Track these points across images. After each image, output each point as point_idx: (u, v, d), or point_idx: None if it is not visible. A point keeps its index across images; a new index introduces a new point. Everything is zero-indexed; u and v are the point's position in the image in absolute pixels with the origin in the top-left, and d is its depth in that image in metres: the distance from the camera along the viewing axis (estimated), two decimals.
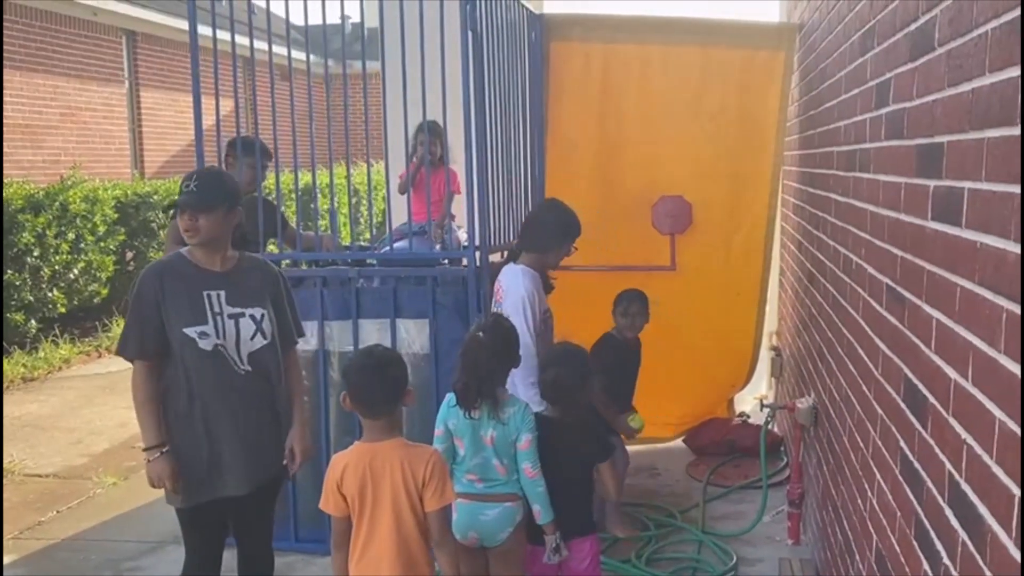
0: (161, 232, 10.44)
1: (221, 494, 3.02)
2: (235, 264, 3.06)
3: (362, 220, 13.41)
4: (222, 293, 2.97)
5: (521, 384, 3.46)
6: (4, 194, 8.17)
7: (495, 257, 4.39)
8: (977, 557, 1.57)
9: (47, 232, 8.63)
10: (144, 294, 2.94)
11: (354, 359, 2.84)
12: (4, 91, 10.23)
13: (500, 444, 3.02)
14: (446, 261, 4.42)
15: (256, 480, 3.07)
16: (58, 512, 5.01)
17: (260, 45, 4.38)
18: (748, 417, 5.77)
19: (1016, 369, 1.39)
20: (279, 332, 3.11)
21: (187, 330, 2.91)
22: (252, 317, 3.01)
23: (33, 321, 8.63)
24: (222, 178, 3.08)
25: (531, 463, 3.03)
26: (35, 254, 8.49)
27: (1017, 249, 1.40)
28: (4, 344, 8.17)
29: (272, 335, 3.05)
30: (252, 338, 3.00)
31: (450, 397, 3.08)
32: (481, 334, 3.06)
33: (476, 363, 2.99)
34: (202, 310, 2.94)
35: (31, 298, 8.53)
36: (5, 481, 5.42)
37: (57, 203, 8.79)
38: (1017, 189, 1.40)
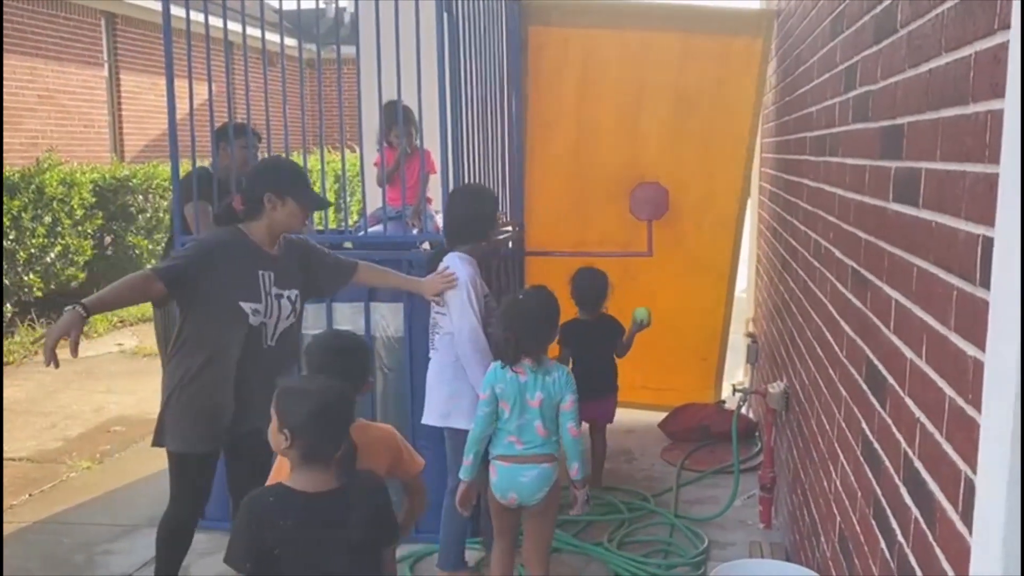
0: (140, 216, 10.36)
1: (241, 430, 3.17)
2: (281, 248, 3.29)
3: (343, 206, 13.35)
4: (272, 274, 3.22)
5: (475, 365, 3.46)
6: None
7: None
8: (928, 533, 1.59)
9: (23, 215, 8.55)
10: (206, 248, 3.17)
11: (320, 353, 2.75)
12: None
13: (546, 406, 3.15)
14: (426, 244, 4.40)
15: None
16: (31, 495, 4.98)
17: (236, 28, 4.33)
18: (724, 403, 5.80)
19: (965, 346, 1.41)
20: (335, 276, 3.51)
21: (243, 304, 3.13)
22: (289, 298, 3.27)
23: (8, 305, 8.55)
24: None
25: (575, 422, 3.19)
26: (10, 237, 8.40)
27: (967, 227, 1.41)
28: None
29: (299, 314, 3.34)
30: (287, 317, 3.26)
31: (497, 363, 3.20)
32: (521, 296, 3.29)
33: (514, 320, 3.14)
34: (257, 288, 3.17)
35: (6, 282, 8.44)
36: None
37: (33, 186, 8.70)
38: (968, 167, 1.42)
